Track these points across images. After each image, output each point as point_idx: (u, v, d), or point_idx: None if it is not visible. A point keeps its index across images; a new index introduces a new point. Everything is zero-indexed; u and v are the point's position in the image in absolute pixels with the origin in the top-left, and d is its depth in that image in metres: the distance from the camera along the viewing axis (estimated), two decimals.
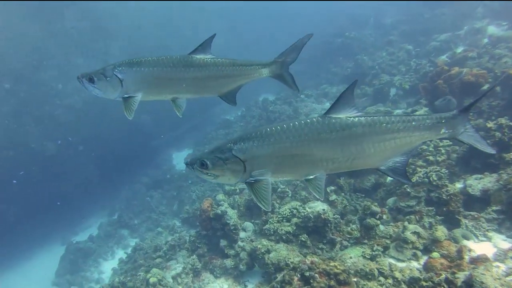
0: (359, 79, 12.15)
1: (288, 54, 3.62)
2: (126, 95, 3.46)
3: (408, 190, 6.36)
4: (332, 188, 7.49)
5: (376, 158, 2.71)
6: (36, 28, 19.02)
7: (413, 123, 2.68)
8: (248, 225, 7.92)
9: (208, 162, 2.62)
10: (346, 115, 2.62)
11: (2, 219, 16.91)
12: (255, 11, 36.78)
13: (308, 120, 2.61)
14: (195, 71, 3.48)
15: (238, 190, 9.13)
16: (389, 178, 7.62)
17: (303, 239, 6.41)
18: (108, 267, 12.65)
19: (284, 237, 6.60)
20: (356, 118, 2.62)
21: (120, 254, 12.81)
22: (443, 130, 2.73)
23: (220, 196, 8.53)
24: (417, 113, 8.63)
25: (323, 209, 6.59)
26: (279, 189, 7.98)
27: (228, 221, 7.59)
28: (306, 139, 2.56)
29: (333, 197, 7.36)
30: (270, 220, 7.12)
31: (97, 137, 19.46)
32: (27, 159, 18.22)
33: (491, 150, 2.84)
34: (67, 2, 20.11)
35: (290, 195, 7.96)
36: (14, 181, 16.91)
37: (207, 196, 11.64)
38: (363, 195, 7.21)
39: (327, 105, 14.88)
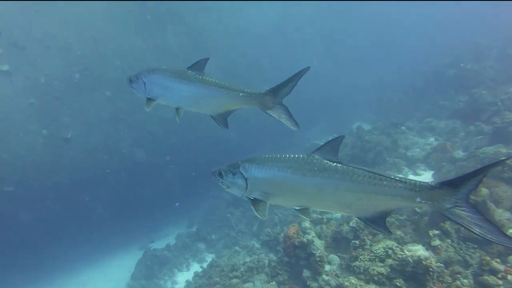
0: (473, 115, 11.28)
1: (282, 87, 3.64)
2: (148, 96, 4.13)
3: None
4: (436, 232, 6.97)
5: (351, 208, 2.87)
6: (139, 41, 21.16)
7: (384, 182, 2.70)
8: (334, 258, 7.72)
9: (223, 173, 3.19)
10: (327, 159, 2.88)
11: (89, 217, 18.70)
12: (358, 37, 36.44)
13: (296, 155, 2.98)
14: (183, 84, 3.92)
15: (325, 220, 8.96)
16: None
17: (398, 284, 6.03)
18: (182, 278, 13.19)
19: (375, 278, 6.28)
20: (334, 164, 2.85)
21: (195, 267, 13.29)
22: (418, 199, 2.64)
23: (306, 224, 8.43)
24: None
25: (425, 255, 6.14)
26: None
27: (314, 252, 7.48)
28: (289, 172, 2.92)
29: (436, 242, 6.84)
30: (360, 257, 6.86)
31: (183, 148, 20.72)
32: (118, 164, 20.03)
33: (503, 241, 2.37)
34: (171, 17, 22.18)
35: None
36: (107, 170, 18.70)
37: (289, 220, 11.64)
38: (475, 245, 6.56)
39: (432, 140, 14.06)
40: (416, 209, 7.47)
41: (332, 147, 2.91)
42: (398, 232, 7.43)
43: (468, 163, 9.67)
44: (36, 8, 17.12)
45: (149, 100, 4.14)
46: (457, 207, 2.55)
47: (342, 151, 15.05)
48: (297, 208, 3.03)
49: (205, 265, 12.28)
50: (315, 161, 2.88)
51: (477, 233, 2.45)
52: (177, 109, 4.08)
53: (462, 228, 2.66)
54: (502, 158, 2.39)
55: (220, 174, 3.20)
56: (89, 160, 18.95)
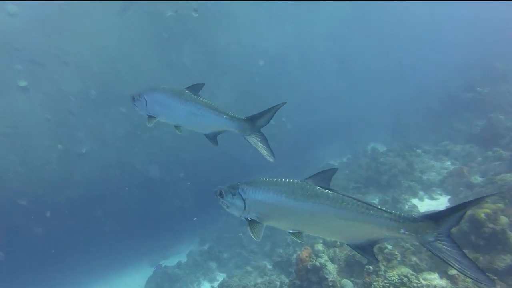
0: (491, 140, 11.15)
1: (260, 117, 3.86)
2: (149, 114, 4.34)
3: None
4: None
5: (342, 234, 3.01)
6: (155, 59, 21.56)
7: (371, 211, 2.81)
8: (347, 283, 7.62)
9: (223, 193, 3.30)
10: (319, 186, 2.99)
11: (100, 232, 18.82)
12: (373, 57, 36.42)
13: (291, 180, 3.09)
14: (180, 102, 4.13)
15: (338, 243, 8.88)
16: None
17: None
18: None
19: None
20: (326, 190, 2.95)
21: (206, 286, 13.26)
22: (402, 230, 2.74)
23: (319, 247, 8.38)
24: None
25: (442, 284, 6.06)
26: (386, 250, 7.54)
27: (326, 276, 7.42)
28: (284, 196, 3.03)
29: (453, 271, 6.72)
30: (374, 283, 6.77)
31: (198, 165, 20.81)
32: (131, 179, 20.20)
33: (480, 278, 2.52)
34: (187, 36, 22.64)
35: (398, 259, 7.48)
36: (127, 188, 18.87)
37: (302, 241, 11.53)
38: (495, 277, 6.43)
39: (448, 164, 13.92)
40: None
41: (323, 177, 3.03)
42: (414, 259, 7.32)
43: (486, 189, 9.53)
44: (55, 25, 17.67)
45: (150, 117, 4.36)
46: (438, 241, 2.65)
47: (356, 172, 15.00)
48: (291, 231, 3.12)
49: (216, 284, 12.25)
50: (308, 186, 3.00)
51: (456, 268, 2.56)
52: (176, 126, 4.31)
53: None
54: (483, 196, 2.62)
55: (220, 194, 3.33)
56: (102, 175, 19.18)
